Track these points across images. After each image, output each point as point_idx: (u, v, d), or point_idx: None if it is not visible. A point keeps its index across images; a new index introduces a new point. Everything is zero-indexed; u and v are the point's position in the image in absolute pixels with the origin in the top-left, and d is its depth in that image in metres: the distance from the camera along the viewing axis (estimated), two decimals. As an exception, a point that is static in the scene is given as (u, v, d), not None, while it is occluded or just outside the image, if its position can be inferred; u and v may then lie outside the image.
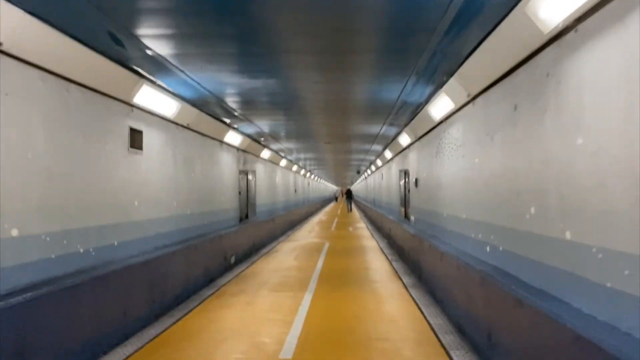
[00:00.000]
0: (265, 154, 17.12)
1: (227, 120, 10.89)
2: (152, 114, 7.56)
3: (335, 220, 31.49)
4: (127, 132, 6.75)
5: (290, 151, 19.72)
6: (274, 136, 14.54)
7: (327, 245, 16.58)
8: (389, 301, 8.19)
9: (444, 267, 7.46)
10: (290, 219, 23.68)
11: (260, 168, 17.03)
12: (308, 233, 21.79)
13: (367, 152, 20.05)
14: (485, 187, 6.10)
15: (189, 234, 9.28)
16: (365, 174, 35.93)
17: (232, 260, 11.62)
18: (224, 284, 9.64)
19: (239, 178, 13.72)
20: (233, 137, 12.23)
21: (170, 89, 7.54)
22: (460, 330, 6.25)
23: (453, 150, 7.91)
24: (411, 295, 8.50)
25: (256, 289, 9.12)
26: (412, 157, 12.62)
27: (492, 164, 5.84)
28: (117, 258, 6.42)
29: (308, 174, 36.69)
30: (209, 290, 9.09)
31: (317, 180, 49.77)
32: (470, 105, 6.78)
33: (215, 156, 11.26)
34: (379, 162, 22.70)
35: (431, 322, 6.80)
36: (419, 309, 7.57)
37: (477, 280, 5.57)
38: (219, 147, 11.60)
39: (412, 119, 10.52)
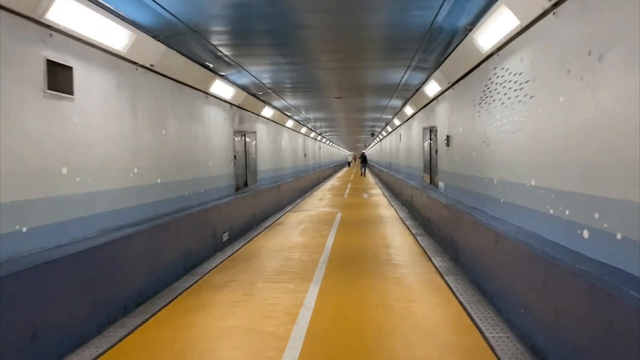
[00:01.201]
0: (267, 112, 14.92)
1: (211, 65, 8.67)
2: (89, 44, 5.39)
3: (349, 185, 29.42)
4: (41, 67, 4.61)
5: (297, 110, 17.47)
6: (276, 89, 12.31)
7: (339, 215, 14.53)
8: (422, 296, 6.13)
9: (500, 254, 5.34)
10: (299, 185, 21.65)
11: (261, 129, 14.86)
12: (318, 201, 19.76)
13: (383, 109, 17.72)
14: (581, 138, 3.90)
15: (160, 209, 7.24)
16: (380, 136, 33.56)
17: (225, 237, 9.63)
18: (209, 271, 7.65)
19: (234, 140, 11.59)
20: (223, 89, 10.03)
21: (112, 7, 5.33)
22: (538, 352, 4.17)
23: (511, 92, 5.67)
24: (449, 287, 6.44)
25: (248, 279, 7.11)
26: (442, 110, 10.34)
27: (598, 101, 3.62)
28: (29, 251, 4.39)
29: (319, 137, 34.44)
30: (188, 280, 7.11)
31: (329, 144, 47.52)
32: (550, 15, 4.49)
33: (198, 111, 9.10)
34: (396, 122, 20.37)
35: (487, 335, 4.73)
36: (465, 309, 5.51)
37: (577, 288, 3.45)
38: (204, 100, 9.43)
39: (447, 58, 8.20)
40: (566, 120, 4.16)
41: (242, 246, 9.74)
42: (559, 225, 4.34)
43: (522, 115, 5.29)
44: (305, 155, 26.63)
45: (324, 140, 39.72)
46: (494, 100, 6.42)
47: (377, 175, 37.69)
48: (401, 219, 13.54)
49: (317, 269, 7.56)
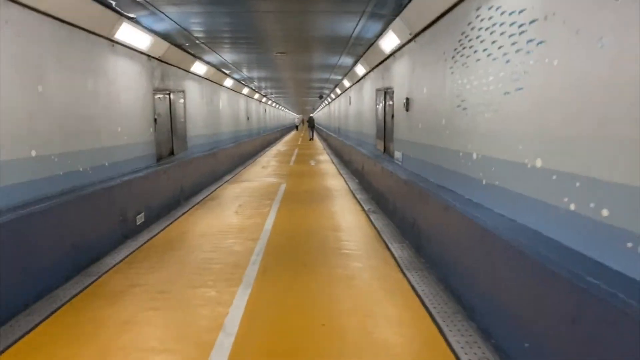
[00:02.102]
0: (199, 68, 12.94)
1: (113, 2, 6.71)
2: None
3: (296, 151, 27.83)
4: None
5: (237, 68, 15.53)
6: (208, 41, 10.39)
7: (283, 187, 12.99)
8: (381, 307, 4.73)
9: (488, 257, 3.98)
10: (240, 152, 19.85)
11: (192, 88, 12.90)
12: (262, 169, 18.11)
13: (332, 68, 16.05)
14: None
15: (37, 191, 5.43)
16: (329, 99, 31.92)
17: (140, 219, 7.89)
18: (111, 268, 5.96)
19: (154, 100, 9.66)
20: (135, 36, 8.07)
21: None
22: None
23: (504, 39, 4.21)
24: (414, 289, 5.09)
25: (158, 281, 5.49)
26: (401, 67, 8.85)
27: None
28: None
29: (264, 99, 32.38)
30: (79, 284, 5.41)
31: (275, 107, 45.40)
32: None
33: (99, 62, 7.17)
34: (346, 83, 18.80)
35: (475, 375, 3.40)
36: (438, 327, 4.18)
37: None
38: (109, 48, 7.47)
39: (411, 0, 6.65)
40: (612, 71, 2.73)
41: (162, 230, 8.04)
42: (587, 228, 2.98)
43: (523, 70, 3.85)
44: (248, 118, 24.69)
45: (269, 102, 37.65)
46: (474, 52, 4.96)
47: (325, 139, 36.30)
48: (351, 191, 12.17)
49: (249, 265, 6.03)
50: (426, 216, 6.07)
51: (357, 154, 14.44)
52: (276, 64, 15.14)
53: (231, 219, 8.93)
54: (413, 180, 6.94)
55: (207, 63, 13.36)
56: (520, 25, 3.89)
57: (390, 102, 10.10)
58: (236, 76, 18.05)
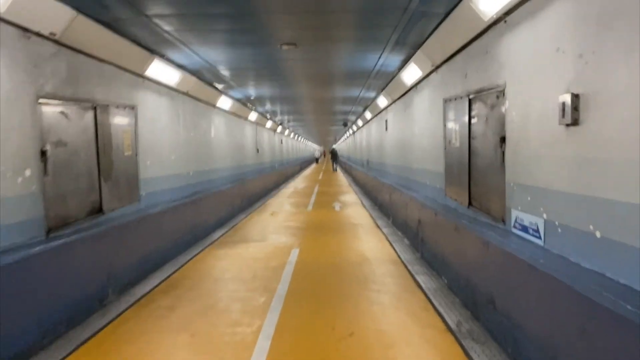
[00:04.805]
0: (166, 73, 8.46)
1: None
2: None
3: (316, 189, 23.15)
4: None
5: (234, 77, 11.09)
6: (163, 12, 5.91)
7: (294, 256, 8.26)
8: None
9: None
10: (245, 192, 15.29)
11: (154, 104, 8.42)
12: (270, 218, 13.40)
13: (366, 79, 11.41)
14: None
15: None
16: (355, 126, 27.31)
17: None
18: None
19: (38, 116, 5.11)
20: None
21: None
22: None
23: None
24: None
25: None
26: (537, 37, 4.15)
27: None
28: None
29: (279, 128, 27.96)
30: None
31: (293, 137, 41.17)
32: None
33: None
34: (381, 103, 14.20)
35: None
36: None
37: None
38: None
39: None
40: None
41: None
42: None
43: None
44: (258, 150, 20.23)
45: (286, 132, 33.34)
46: None
47: (349, 173, 31.70)
48: (406, 267, 7.36)
49: None
50: None
51: (404, 200, 9.69)
52: (285, 72, 10.62)
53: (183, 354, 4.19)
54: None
55: (180, 67, 8.90)
56: None
57: (488, 116, 5.39)
58: (237, 95, 13.62)
